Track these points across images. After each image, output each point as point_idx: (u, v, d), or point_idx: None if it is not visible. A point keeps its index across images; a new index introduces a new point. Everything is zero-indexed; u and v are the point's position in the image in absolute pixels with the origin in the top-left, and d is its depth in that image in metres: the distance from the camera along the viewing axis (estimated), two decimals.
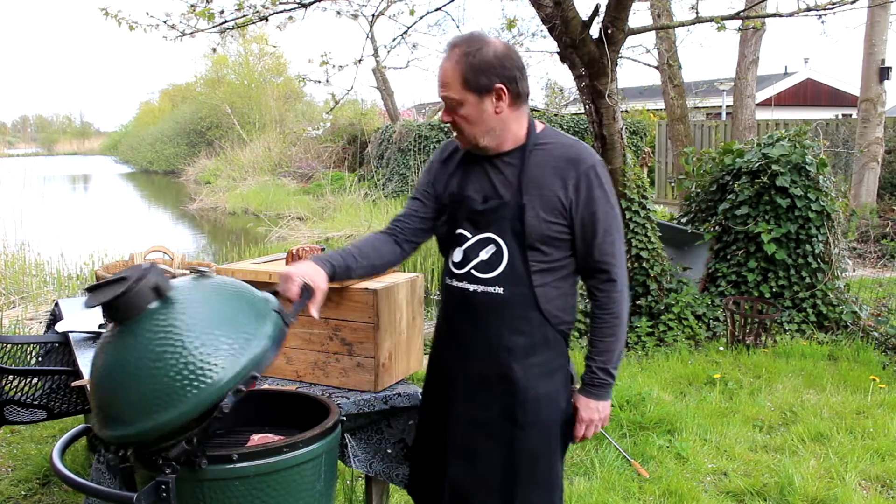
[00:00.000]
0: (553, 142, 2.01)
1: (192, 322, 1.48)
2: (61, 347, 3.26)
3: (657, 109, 19.36)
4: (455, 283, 2.05)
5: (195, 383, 1.42)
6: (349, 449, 2.37)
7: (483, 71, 1.89)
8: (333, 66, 6.79)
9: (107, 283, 1.53)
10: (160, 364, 1.43)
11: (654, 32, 10.57)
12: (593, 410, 2.04)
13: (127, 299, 1.48)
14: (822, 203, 5.97)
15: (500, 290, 1.98)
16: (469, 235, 2.02)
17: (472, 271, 2.01)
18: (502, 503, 2.02)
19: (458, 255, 2.04)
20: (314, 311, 1.84)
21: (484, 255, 1.99)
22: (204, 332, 1.47)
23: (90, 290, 1.54)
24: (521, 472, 2.01)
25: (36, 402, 3.15)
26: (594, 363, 2.02)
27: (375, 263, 2.10)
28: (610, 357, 2.01)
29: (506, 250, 1.97)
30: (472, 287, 2.01)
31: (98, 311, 3.03)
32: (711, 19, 5.34)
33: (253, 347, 1.49)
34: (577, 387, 2.10)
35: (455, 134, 2.01)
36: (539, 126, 2.04)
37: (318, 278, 1.87)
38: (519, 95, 1.96)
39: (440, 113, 2.24)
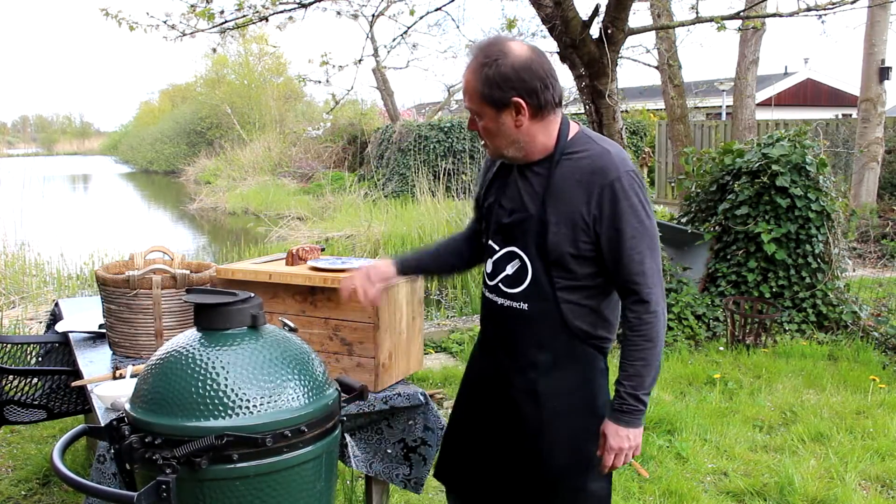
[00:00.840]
0: (581, 150, 1.88)
1: (256, 360, 1.57)
2: (61, 347, 3.26)
3: (657, 109, 19.36)
4: (487, 294, 2.03)
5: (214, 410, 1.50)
6: (349, 449, 2.38)
7: (499, 85, 1.80)
8: (333, 66, 6.79)
9: (211, 291, 1.69)
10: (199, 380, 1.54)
11: (654, 32, 10.57)
12: (623, 438, 1.90)
13: (225, 311, 1.60)
14: (822, 203, 5.97)
15: (525, 307, 1.92)
16: (497, 248, 1.97)
17: (500, 285, 1.97)
18: None
19: (489, 266, 2.00)
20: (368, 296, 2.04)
21: (510, 269, 1.94)
22: (255, 374, 1.55)
23: (189, 291, 1.70)
24: (544, 487, 1.96)
25: (36, 402, 3.15)
26: (623, 388, 1.89)
27: (454, 263, 2.17)
28: (641, 382, 1.89)
29: (530, 266, 1.90)
30: (499, 300, 1.98)
31: (98, 311, 3.04)
32: (711, 19, 5.33)
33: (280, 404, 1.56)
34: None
35: (482, 143, 1.95)
36: (573, 131, 1.92)
37: (385, 268, 2.07)
38: (542, 107, 1.84)
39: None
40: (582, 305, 1.92)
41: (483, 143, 1.93)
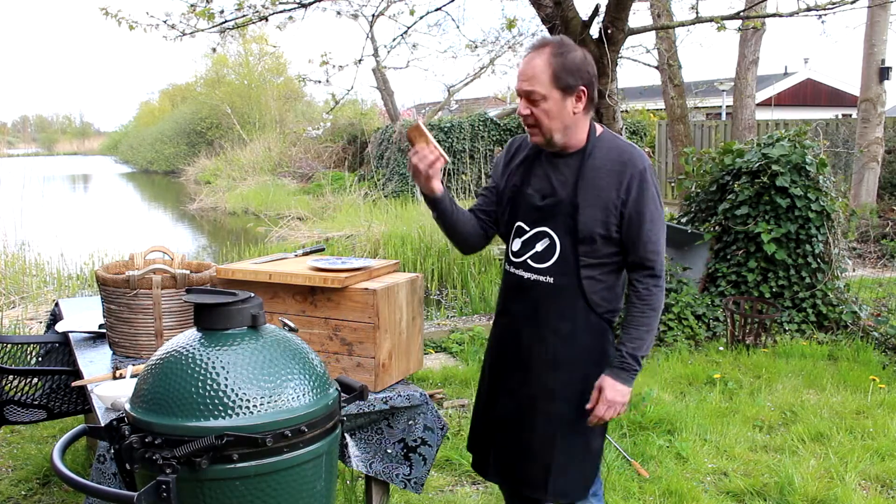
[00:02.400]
0: (609, 145, 2.17)
1: (256, 360, 1.57)
2: (61, 347, 3.26)
3: (657, 109, 19.36)
4: (512, 270, 2.27)
5: (214, 410, 1.50)
6: (349, 449, 2.38)
7: (572, 72, 2.07)
8: (333, 66, 6.79)
9: (211, 291, 1.69)
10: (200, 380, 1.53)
11: (654, 32, 10.58)
12: (618, 393, 2.14)
13: (226, 311, 1.60)
14: (822, 203, 5.97)
15: (551, 280, 2.18)
16: (527, 228, 2.22)
17: (528, 261, 2.22)
18: (542, 471, 2.22)
19: (516, 244, 2.25)
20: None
21: (539, 246, 2.20)
22: (255, 374, 1.55)
23: (189, 291, 1.70)
24: (558, 443, 2.21)
25: (36, 402, 3.15)
26: (625, 348, 2.15)
27: (466, 230, 2.31)
28: (641, 345, 2.15)
29: (559, 244, 2.16)
30: (526, 275, 2.22)
31: (98, 311, 3.04)
32: (711, 19, 5.33)
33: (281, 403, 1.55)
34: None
35: (529, 128, 2.16)
36: (598, 129, 2.21)
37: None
38: (592, 100, 2.14)
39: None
40: (599, 281, 2.18)
41: (531, 129, 2.15)
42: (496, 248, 8.96)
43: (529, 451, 2.25)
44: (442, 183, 2.20)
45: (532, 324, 2.22)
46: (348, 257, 2.68)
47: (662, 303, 2.18)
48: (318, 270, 2.42)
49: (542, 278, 2.19)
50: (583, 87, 2.09)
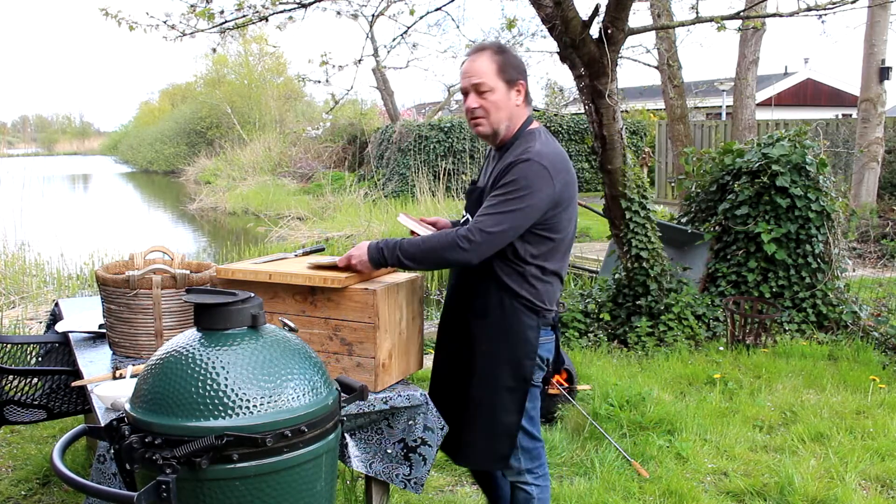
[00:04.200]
0: (525, 140, 2.33)
1: (256, 360, 1.57)
2: (61, 347, 3.26)
3: (657, 109, 19.36)
4: None
5: (214, 410, 1.50)
6: (349, 449, 2.38)
7: (513, 66, 2.30)
8: (333, 66, 6.80)
9: (211, 291, 1.70)
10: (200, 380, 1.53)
11: (654, 32, 10.57)
12: (359, 250, 2.35)
13: (226, 311, 1.61)
14: (822, 203, 5.97)
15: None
16: (466, 215, 2.46)
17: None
18: (458, 439, 2.47)
19: None
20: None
21: None
22: (255, 374, 1.55)
23: (189, 291, 1.71)
24: (468, 415, 2.44)
25: (36, 402, 3.15)
26: (397, 242, 2.30)
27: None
28: (405, 252, 2.29)
29: None
30: None
31: (98, 311, 3.04)
32: (711, 19, 5.33)
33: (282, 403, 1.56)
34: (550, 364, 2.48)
35: (476, 120, 2.34)
36: (532, 126, 2.38)
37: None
38: (528, 95, 2.37)
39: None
40: (508, 263, 2.33)
41: (478, 119, 2.33)
42: None
43: (452, 419, 2.48)
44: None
45: (455, 300, 2.48)
46: (333, 256, 2.70)
47: (451, 258, 2.24)
48: (319, 269, 2.42)
49: None
50: (522, 81, 2.32)
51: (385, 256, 2.31)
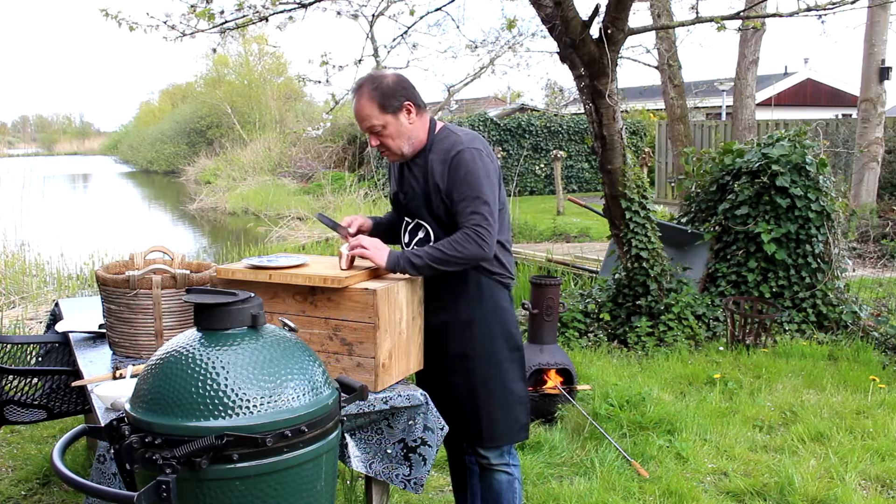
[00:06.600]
0: (445, 138, 2.49)
1: (256, 360, 1.57)
2: (61, 347, 3.26)
3: (657, 109, 19.36)
4: None
5: (214, 410, 1.50)
6: (349, 449, 2.38)
7: (391, 95, 2.42)
8: (333, 66, 6.81)
9: (211, 291, 1.71)
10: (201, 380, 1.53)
11: (654, 32, 10.57)
12: (374, 244, 2.44)
13: (226, 311, 1.61)
14: (822, 203, 5.97)
15: None
16: (409, 221, 2.62)
17: (415, 247, 2.56)
18: (478, 424, 2.54)
19: (406, 235, 2.65)
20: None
21: (421, 234, 2.58)
22: (256, 374, 1.55)
23: (189, 291, 1.72)
24: (483, 396, 2.54)
25: (36, 402, 3.15)
26: (421, 251, 2.40)
27: (396, 233, 2.72)
28: (427, 259, 2.38)
29: (430, 229, 2.54)
30: None
31: (98, 311, 3.04)
32: (711, 19, 5.33)
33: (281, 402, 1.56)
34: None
35: (384, 153, 2.53)
36: (438, 126, 2.55)
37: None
38: (420, 106, 2.49)
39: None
40: None
41: (384, 152, 2.52)
42: None
43: (455, 406, 2.59)
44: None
45: (433, 291, 2.56)
46: (277, 254, 2.74)
47: (470, 254, 2.38)
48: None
49: None
50: (406, 102, 2.44)
51: (401, 267, 2.42)
